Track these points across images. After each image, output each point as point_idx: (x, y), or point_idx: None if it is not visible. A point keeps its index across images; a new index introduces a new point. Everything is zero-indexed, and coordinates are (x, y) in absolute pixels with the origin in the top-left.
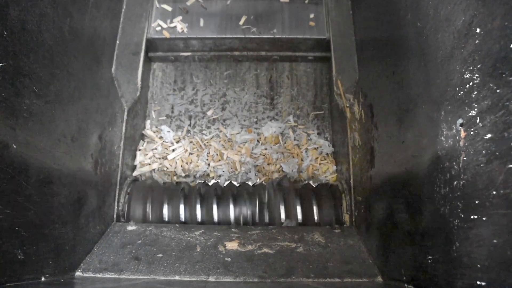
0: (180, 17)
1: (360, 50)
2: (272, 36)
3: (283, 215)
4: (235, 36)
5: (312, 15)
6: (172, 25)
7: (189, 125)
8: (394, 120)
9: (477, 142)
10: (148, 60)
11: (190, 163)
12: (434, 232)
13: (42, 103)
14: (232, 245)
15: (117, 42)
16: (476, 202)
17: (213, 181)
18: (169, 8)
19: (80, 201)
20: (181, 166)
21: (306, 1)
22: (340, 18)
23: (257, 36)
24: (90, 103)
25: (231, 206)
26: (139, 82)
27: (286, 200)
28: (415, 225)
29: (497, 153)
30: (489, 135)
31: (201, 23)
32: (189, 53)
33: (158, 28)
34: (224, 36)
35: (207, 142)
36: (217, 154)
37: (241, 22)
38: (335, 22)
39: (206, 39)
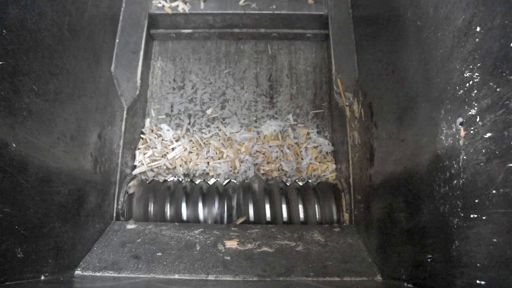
0: None
1: (358, 27)
2: (271, 12)
3: (285, 214)
4: (235, 11)
5: None
6: (174, 4)
7: (189, 123)
8: (394, 118)
9: (477, 141)
10: (150, 39)
11: (190, 162)
12: (434, 231)
13: (41, 101)
14: (232, 244)
15: (119, 31)
16: (476, 201)
17: (212, 180)
18: None
19: (79, 199)
20: (180, 165)
21: None
22: None
23: (257, 12)
24: (90, 102)
25: (231, 204)
26: (139, 81)
27: (288, 199)
28: (414, 224)
29: (497, 152)
30: (489, 134)
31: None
32: (190, 30)
33: (160, 5)
34: (224, 11)
35: (207, 141)
36: (216, 153)
37: None
38: None
39: (206, 14)
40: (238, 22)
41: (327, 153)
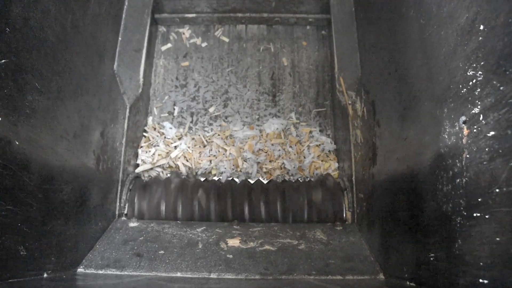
0: None
1: (358, 11)
2: None
3: (287, 212)
4: None
5: None
6: None
7: (191, 122)
8: (397, 117)
9: (480, 140)
10: (155, 23)
11: (192, 160)
12: (436, 229)
13: (44, 99)
14: (234, 242)
15: (122, 22)
16: (479, 199)
17: (215, 178)
18: None
19: (82, 197)
20: (183, 163)
21: None
22: None
23: None
24: (92, 100)
25: (230, 203)
26: (141, 79)
27: (290, 197)
28: (417, 222)
29: (500, 151)
30: (492, 133)
31: None
32: (193, 15)
33: None
34: None
35: (209, 139)
36: (219, 151)
37: None
38: None
39: None
40: (241, 6)
41: (329, 151)
